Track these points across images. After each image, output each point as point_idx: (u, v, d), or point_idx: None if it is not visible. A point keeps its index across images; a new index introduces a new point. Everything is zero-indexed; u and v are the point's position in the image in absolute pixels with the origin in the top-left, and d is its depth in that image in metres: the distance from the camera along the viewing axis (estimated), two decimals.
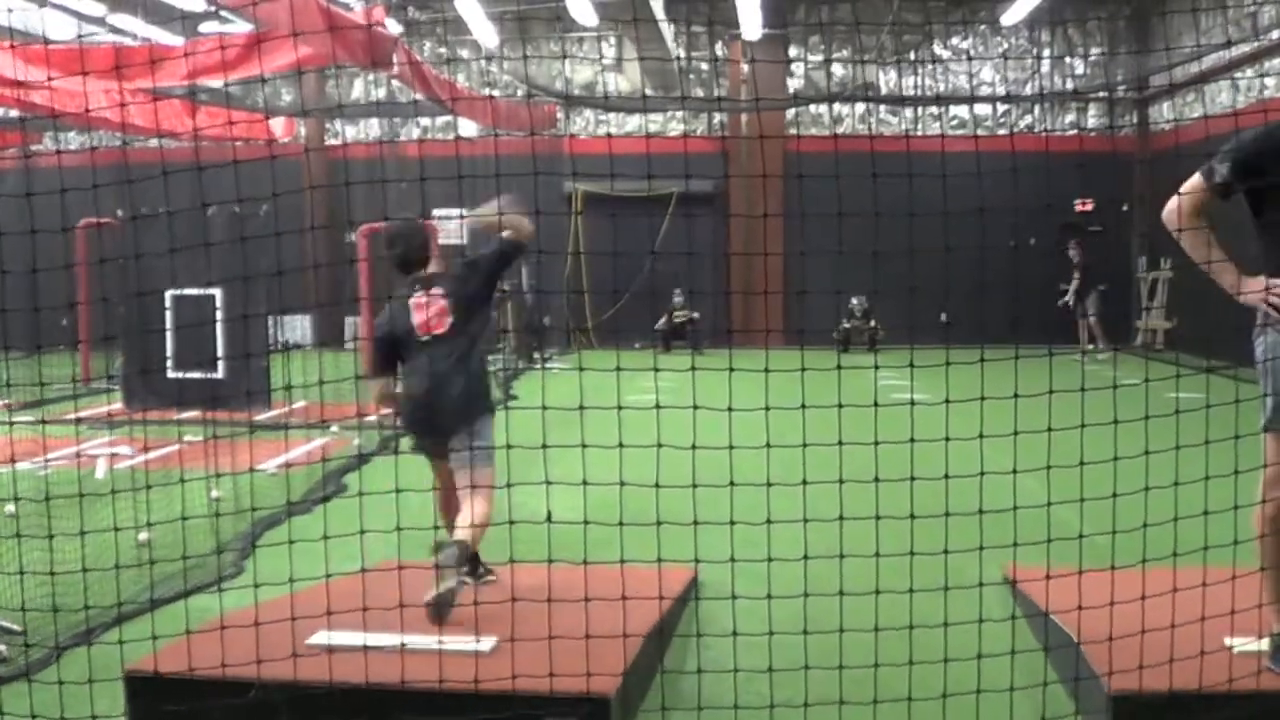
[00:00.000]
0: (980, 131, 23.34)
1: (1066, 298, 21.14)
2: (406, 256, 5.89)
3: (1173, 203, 4.38)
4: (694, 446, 4.35)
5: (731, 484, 4.35)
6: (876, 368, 5.01)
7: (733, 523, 4.42)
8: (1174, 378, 5.04)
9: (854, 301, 21.79)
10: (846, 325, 21.73)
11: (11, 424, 8.15)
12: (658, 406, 4.55)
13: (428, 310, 5.79)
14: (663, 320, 22.55)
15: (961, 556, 4.69)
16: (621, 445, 4.56)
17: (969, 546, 4.55)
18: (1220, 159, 4.30)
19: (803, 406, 4.39)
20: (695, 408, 4.39)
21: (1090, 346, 20.49)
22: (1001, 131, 23.44)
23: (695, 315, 22.41)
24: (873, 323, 21.80)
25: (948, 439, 4.46)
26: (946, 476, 4.42)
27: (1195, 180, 4.35)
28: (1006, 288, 5.00)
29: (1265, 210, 4.30)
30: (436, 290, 5.83)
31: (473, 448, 5.56)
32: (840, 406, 4.48)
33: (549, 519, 4.65)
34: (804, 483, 4.41)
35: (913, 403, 4.57)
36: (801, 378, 4.37)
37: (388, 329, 5.91)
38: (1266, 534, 4.32)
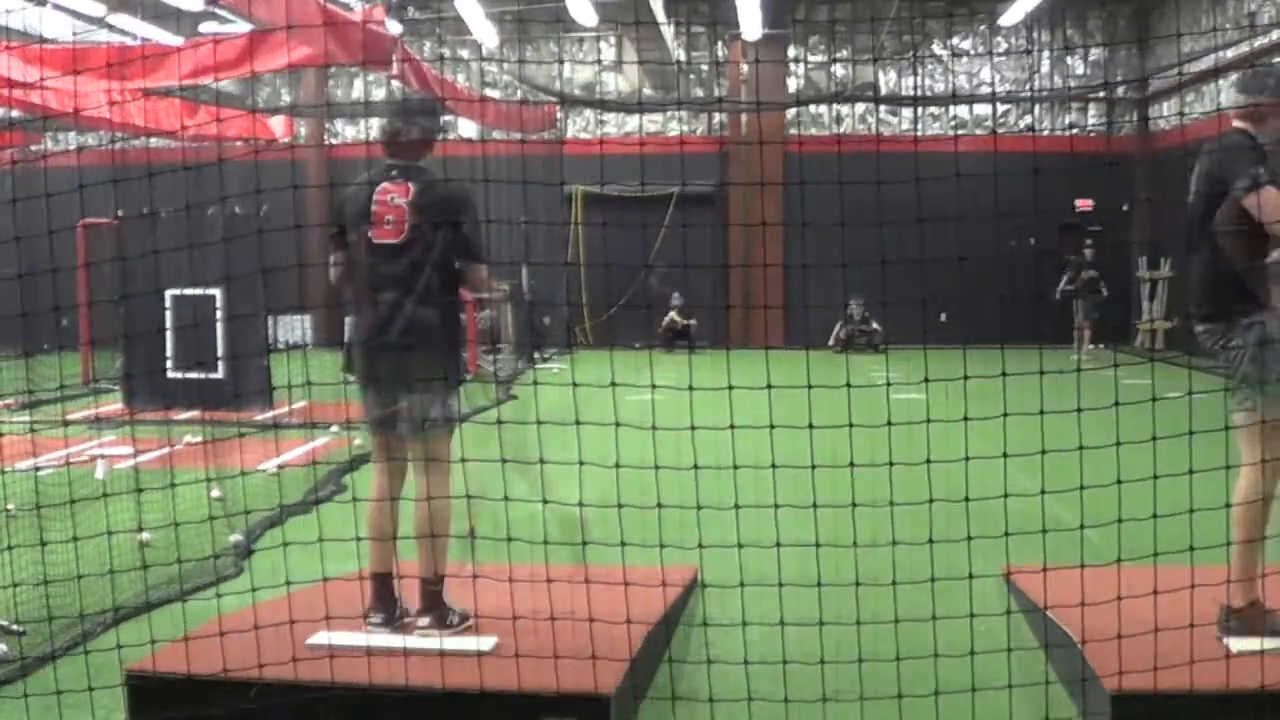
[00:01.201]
0: (979, 131, 23.35)
1: (1065, 285, 21.08)
2: (405, 137, 5.00)
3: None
4: (735, 465, 4.36)
5: (776, 503, 4.35)
6: (926, 382, 4.91)
7: (783, 540, 4.42)
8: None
9: (851, 304, 21.79)
10: (846, 327, 21.77)
11: (32, 425, 8.14)
12: (694, 424, 4.54)
13: (389, 206, 4.90)
14: (665, 321, 22.56)
15: (962, 555, 4.69)
16: (656, 459, 4.57)
17: (972, 547, 4.56)
18: None
19: (849, 425, 4.40)
20: (731, 427, 4.39)
21: (1091, 347, 20.49)
22: (1002, 131, 23.45)
23: (692, 322, 22.40)
24: (875, 325, 21.82)
25: (967, 458, 4.49)
26: (972, 498, 4.43)
27: None
28: (1006, 289, 5.00)
29: None
30: (404, 184, 4.92)
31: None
32: (891, 425, 4.45)
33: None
34: (843, 506, 4.42)
35: (967, 422, 4.56)
36: (848, 390, 4.37)
37: (338, 211, 5.05)
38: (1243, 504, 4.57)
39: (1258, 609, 4.63)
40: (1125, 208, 23.22)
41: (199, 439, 7.87)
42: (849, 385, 4.60)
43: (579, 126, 24.74)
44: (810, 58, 24.57)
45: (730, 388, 4.40)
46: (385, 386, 4.94)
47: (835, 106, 24.31)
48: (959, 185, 4.55)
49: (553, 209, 20.68)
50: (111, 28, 17.56)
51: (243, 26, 14.86)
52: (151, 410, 11.53)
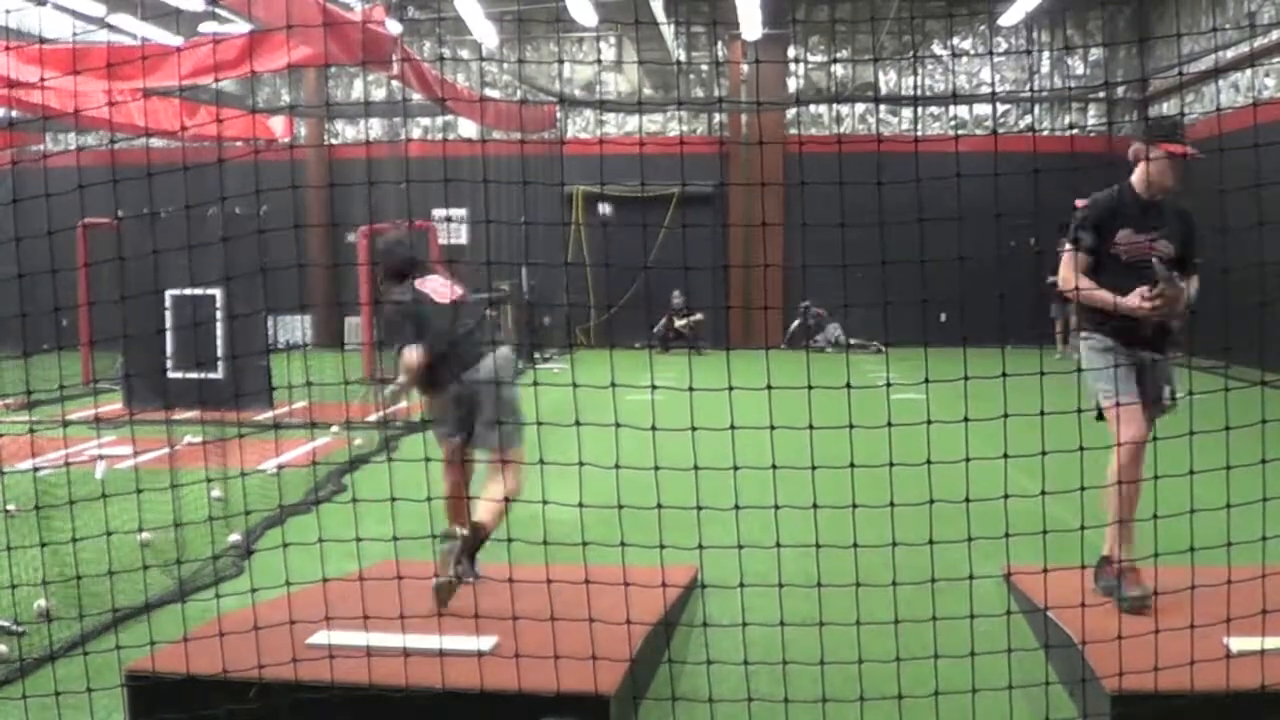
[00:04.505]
0: (979, 132, 23.34)
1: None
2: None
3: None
4: (735, 465, 4.36)
5: (776, 503, 4.34)
6: (926, 383, 4.90)
7: (783, 540, 4.40)
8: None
9: (805, 304, 21.84)
10: (801, 325, 21.94)
11: (30, 425, 8.13)
12: (694, 424, 4.54)
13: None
14: (662, 323, 22.55)
15: (961, 554, 4.69)
16: (656, 459, 4.56)
17: (972, 547, 4.55)
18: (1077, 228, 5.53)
19: (849, 426, 4.39)
20: (731, 427, 4.39)
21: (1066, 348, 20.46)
22: (1002, 132, 23.44)
23: (699, 318, 22.42)
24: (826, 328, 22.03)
25: (967, 458, 4.48)
26: (972, 499, 4.43)
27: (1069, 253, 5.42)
28: (1006, 289, 5.01)
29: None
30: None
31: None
32: (891, 425, 4.44)
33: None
34: (843, 507, 4.42)
35: (967, 422, 4.56)
36: (848, 391, 4.36)
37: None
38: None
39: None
40: None
41: (199, 439, 7.86)
42: (849, 385, 4.59)
43: (579, 126, 24.73)
44: (810, 58, 24.55)
45: (730, 388, 4.40)
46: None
47: (835, 106, 24.29)
48: (959, 185, 4.55)
49: (553, 209, 20.69)
50: (112, 28, 17.55)
51: (243, 26, 14.86)
52: (151, 410, 11.52)
